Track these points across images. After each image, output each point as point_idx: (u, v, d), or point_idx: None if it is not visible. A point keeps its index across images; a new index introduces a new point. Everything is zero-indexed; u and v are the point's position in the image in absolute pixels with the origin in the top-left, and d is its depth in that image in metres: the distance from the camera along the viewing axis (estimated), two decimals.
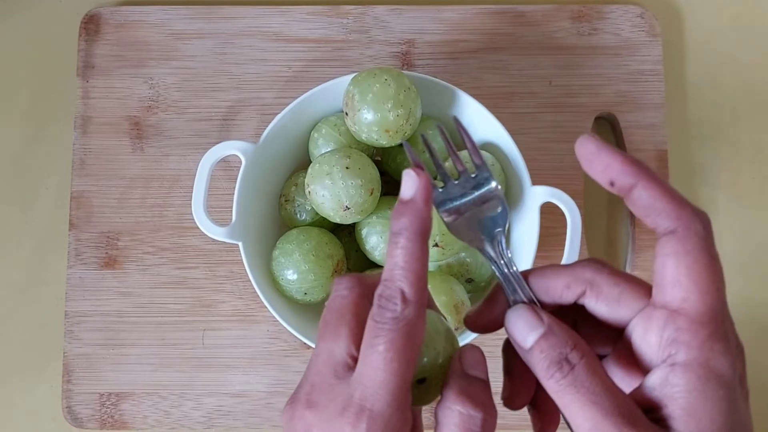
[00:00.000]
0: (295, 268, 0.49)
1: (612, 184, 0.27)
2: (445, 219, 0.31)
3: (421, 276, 0.26)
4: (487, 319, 0.30)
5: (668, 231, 0.26)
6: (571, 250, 0.48)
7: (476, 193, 0.32)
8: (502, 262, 0.30)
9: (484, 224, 0.31)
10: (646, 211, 0.26)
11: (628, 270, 0.58)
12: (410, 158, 0.29)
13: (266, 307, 0.49)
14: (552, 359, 0.26)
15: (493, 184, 0.31)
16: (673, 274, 0.26)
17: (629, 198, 0.27)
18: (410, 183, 0.27)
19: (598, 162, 0.27)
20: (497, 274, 0.30)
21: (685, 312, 0.25)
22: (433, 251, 0.47)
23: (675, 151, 0.60)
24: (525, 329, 0.27)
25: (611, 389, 0.25)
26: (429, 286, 0.47)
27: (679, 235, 0.25)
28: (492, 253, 0.30)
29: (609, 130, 0.61)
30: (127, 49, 0.60)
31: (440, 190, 0.32)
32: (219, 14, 0.60)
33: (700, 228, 0.26)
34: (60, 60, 0.61)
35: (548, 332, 0.27)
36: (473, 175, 0.32)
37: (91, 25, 0.60)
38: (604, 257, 0.59)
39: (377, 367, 0.25)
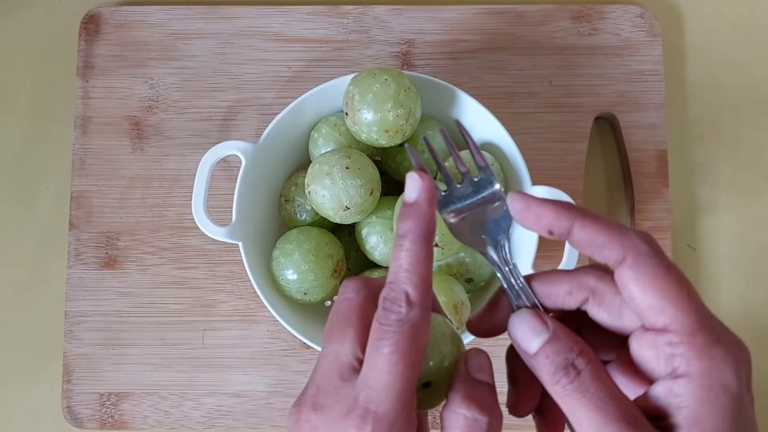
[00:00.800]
0: (295, 268, 0.49)
1: (551, 232, 0.27)
2: (448, 222, 0.31)
3: (425, 278, 0.26)
4: (489, 324, 0.30)
5: (619, 261, 0.26)
6: (570, 251, 0.48)
7: (479, 196, 0.31)
8: (506, 268, 0.30)
9: (488, 227, 0.31)
10: (591, 249, 0.27)
11: None
12: (413, 161, 0.29)
13: (266, 307, 0.49)
14: (558, 365, 0.26)
15: (497, 186, 0.31)
16: (642, 300, 0.26)
17: (571, 241, 0.27)
18: (414, 185, 0.27)
19: (529, 216, 0.28)
20: (500, 278, 0.30)
21: (672, 329, 0.26)
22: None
23: (675, 151, 0.60)
24: (529, 334, 0.27)
25: (617, 395, 0.25)
26: None
27: (629, 262, 0.26)
28: (495, 258, 0.30)
29: (609, 130, 0.61)
30: (127, 49, 0.60)
31: (443, 193, 0.32)
32: (219, 14, 0.60)
33: (646, 248, 0.26)
34: (60, 60, 0.61)
35: (553, 337, 0.27)
36: (476, 179, 0.32)
37: (91, 25, 0.60)
38: None
39: (382, 369, 0.25)
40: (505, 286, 0.29)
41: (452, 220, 0.31)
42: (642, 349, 0.27)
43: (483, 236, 0.30)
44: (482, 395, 0.27)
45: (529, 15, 0.60)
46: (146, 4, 0.61)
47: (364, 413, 0.25)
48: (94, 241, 0.58)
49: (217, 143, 0.49)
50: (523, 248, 0.50)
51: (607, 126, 0.61)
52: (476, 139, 0.53)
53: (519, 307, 0.29)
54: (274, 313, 0.49)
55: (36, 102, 0.61)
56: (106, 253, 0.58)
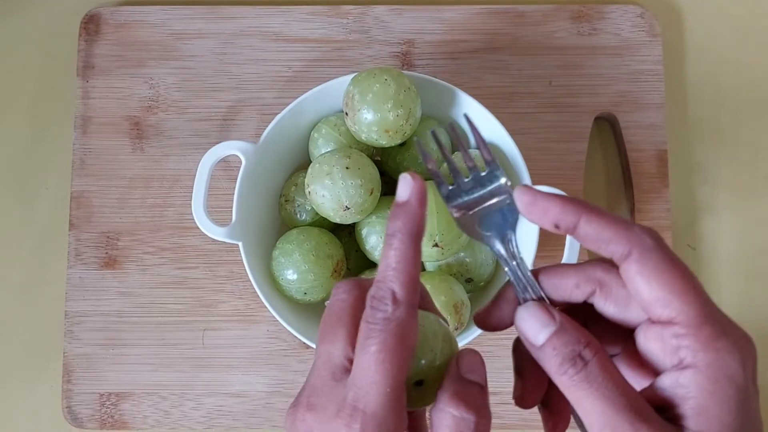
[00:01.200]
0: (295, 268, 0.49)
1: (557, 226, 0.28)
2: (455, 216, 0.31)
3: (412, 276, 0.26)
4: (496, 318, 0.30)
5: (624, 256, 0.27)
6: (570, 250, 0.48)
7: (486, 190, 0.31)
8: (513, 262, 0.30)
9: (495, 221, 0.31)
10: (597, 244, 0.27)
11: None
12: (421, 154, 0.29)
13: (266, 307, 0.49)
14: (565, 356, 0.26)
15: (503, 180, 0.31)
16: (648, 294, 0.26)
17: (577, 236, 0.27)
18: (405, 186, 0.27)
19: (536, 210, 0.28)
20: (507, 272, 0.30)
21: (678, 321, 0.26)
22: (432, 251, 0.47)
23: (675, 151, 0.60)
24: (536, 326, 0.28)
25: (624, 386, 0.26)
26: (428, 286, 0.47)
27: (635, 256, 0.26)
28: (503, 251, 0.30)
29: (609, 130, 0.61)
30: (127, 49, 0.60)
31: (450, 187, 0.32)
32: (219, 14, 0.60)
33: (652, 242, 0.26)
34: (60, 60, 0.61)
35: (560, 329, 0.27)
36: (483, 172, 0.32)
37: (91, 25, 0.60)
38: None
39: (369, 368, 0.25)
40: (512, 279, 0.30)
41: (459, 214, 0.31)
42: (648, 342, 0.27)
43: (490, 230, 0.30)
44: (471, 394, 0.27)
45: (529, 15, 0.60)
46: (146, 4, 0.61)
47: (352, 411, 0.25)
48: (94, 241, 0.58)
49: (217, 143, 0.49)
50: (523, 248, 0.49)
51: (607, 126, 0.61)
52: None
53: (526, 300, 0.29)
54: (274, 313, 0.49)
55: (36, 102, 0.61)
56: (106, 253, 0.58)
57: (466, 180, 0.32)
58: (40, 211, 0.60)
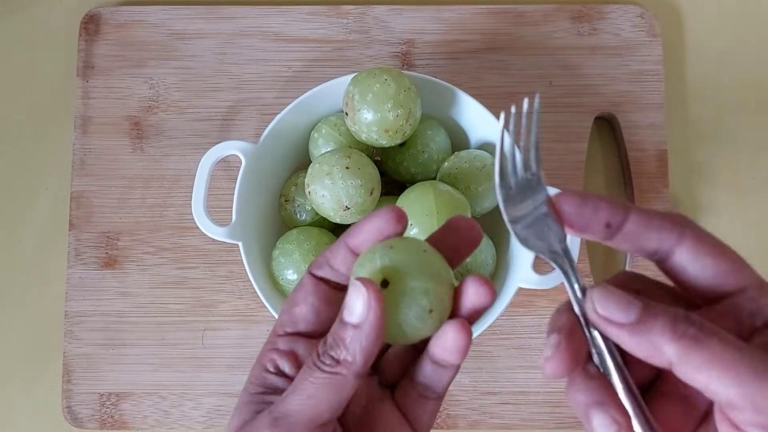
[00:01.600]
0: (295, 268, 0.49)
1: (608, 225, 0.26)
2: (515, 229, 0.28)
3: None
4: (577, 348, 0.26)
5: (679, 238, 0.26)
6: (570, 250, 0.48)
7: (544, 195, 0.28)
8: (571, 272, 0.27)
9: (553, 228, 0.27)
10: (647, 234, 0.26)
11: (627, 268, 0.58)
12: (504, 137, 0.27)
13: (266, 307, 0.49)
14: (676, 316, 0.24)
15: (546, 189, 0.28)
16: (716, 266, 0.26)
17: (625, 230, 0.26)
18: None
19: (586, 208, 0.26)
20: (568, 286, 0.27)
21: (748, 284, 0.26)
22: None
23: (675, 151, 0.60)
24: (623, 304, 0.25)
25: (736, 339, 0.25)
26: None
27: (693, 232, 0.26)
28: (566, 265, 0.27)
29: (609, 130, 0.61)
30: (127, 49, 0.60)
31: (511, 187, 0.28)
32: (219, 14, 0.60)
33: (696, 223, 0.27)
34: (60, 60, 0.61)
35: (650, 303, 0.25)
36: (531, 175, 0.29)
37: (91, 25, 0.60)
38: (604, 257, 0.59)
39: None
40: (570, 294, 0.27)
41: (516, 226, 0.28)
42: (721, 320, 0.26)
43: (550, 241, 0.27)
44: (334, 329, 0.28)
45: (529, 15, 0.60)
46: (146, 4, 0.61)
47: None
48: (94, 241, 0.58)
49: (217, 143, 0.49)
50: (523, 249, 0.50)
51: (607, 126, 0.61)
52: (476, 140, 0.53)
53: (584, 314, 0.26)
54: (274, 313, 0.49)
55: (36, 102, 0.61)
56: (106, 253, 0.58)
57: (531, 176, 0.29)
58: (40, 211, 0.60)
